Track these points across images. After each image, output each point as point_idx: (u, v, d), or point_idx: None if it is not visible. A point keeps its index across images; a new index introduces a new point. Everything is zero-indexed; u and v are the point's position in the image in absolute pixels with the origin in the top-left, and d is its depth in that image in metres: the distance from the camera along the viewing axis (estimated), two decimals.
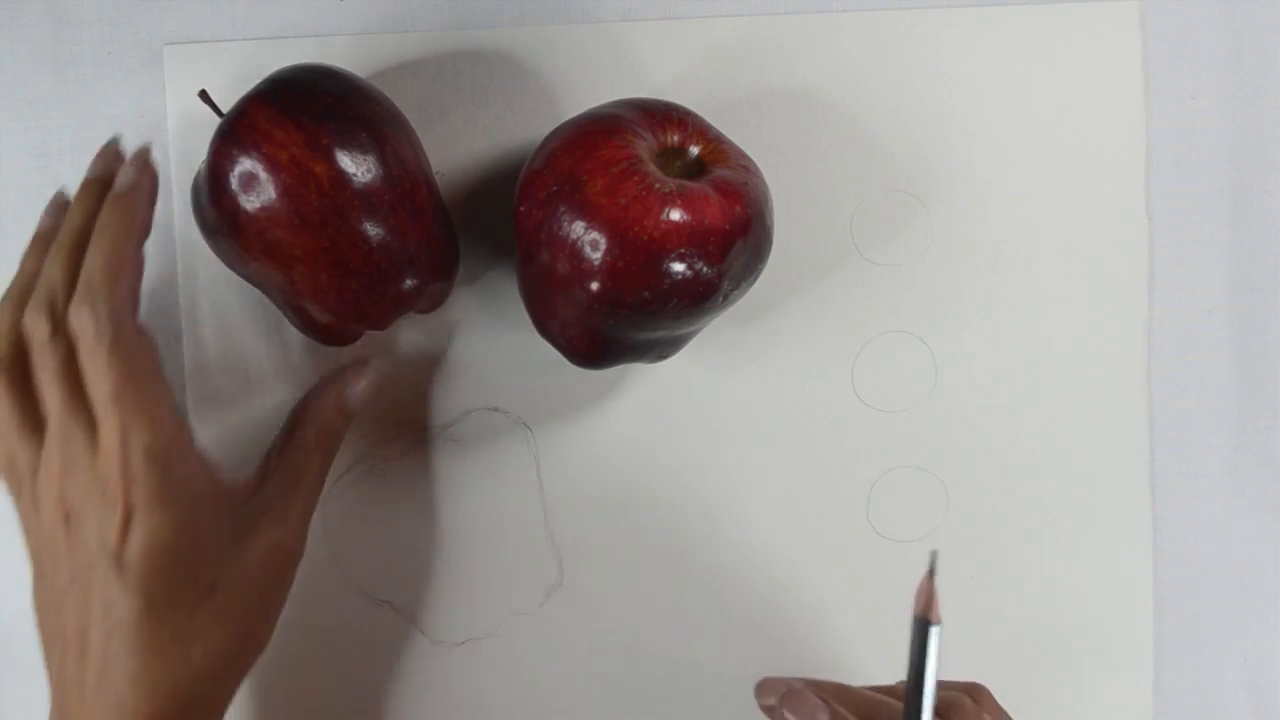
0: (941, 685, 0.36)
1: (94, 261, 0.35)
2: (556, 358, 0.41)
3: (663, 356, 0.41)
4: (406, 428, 0.45)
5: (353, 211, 0.36)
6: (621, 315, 0.37)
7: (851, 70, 0.45)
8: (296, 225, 0.36)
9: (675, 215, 0.36)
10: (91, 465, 0.34)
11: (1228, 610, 0.47)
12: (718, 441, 0.45)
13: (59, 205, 0.40)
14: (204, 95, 0.40)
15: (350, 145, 0.36)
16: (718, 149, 0.39)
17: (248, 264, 0.38)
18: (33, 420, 0.36)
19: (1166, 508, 0.46)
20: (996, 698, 0.38)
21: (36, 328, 0.35)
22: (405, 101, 0.44)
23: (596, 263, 0.36)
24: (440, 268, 0.40)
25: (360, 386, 0.42)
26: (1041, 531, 0.46)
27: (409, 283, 0.38)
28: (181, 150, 0.44)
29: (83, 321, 0.34)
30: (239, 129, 0.36)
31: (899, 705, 0.35)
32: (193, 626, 0.34)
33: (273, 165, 0.35)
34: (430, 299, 0.40)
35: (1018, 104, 0.45)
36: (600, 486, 0.45)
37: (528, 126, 0.44)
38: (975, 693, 0.37)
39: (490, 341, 0.45)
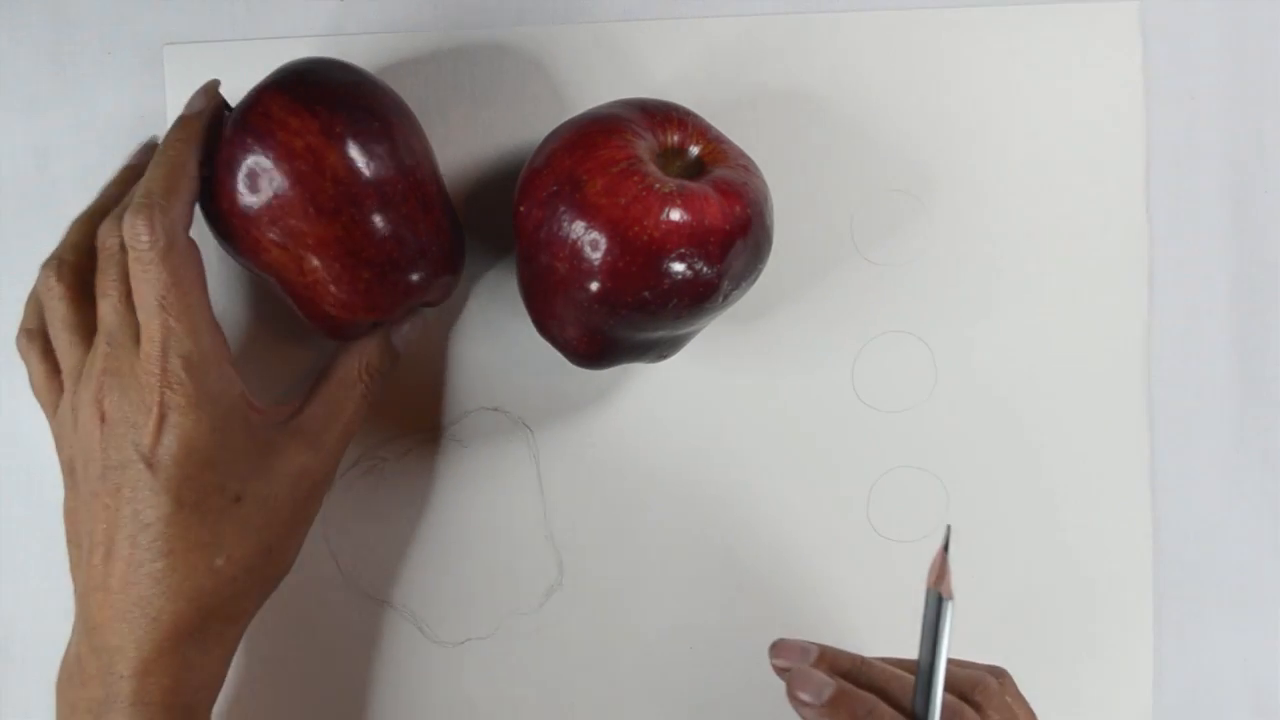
0: (965, 665, 0.37)
1: (154, 174, 0.36)
2: (556, 358, 0.41)
3: (663, 356, 0.41)
4: (407, 428, 0.45)
5: (367, 200, 0.37)
6: (621, 315, 0.37)
7: (851, 70, 0.45)
8: (311, 214, 0.36)
9: (675, 215, 0.36)
10: (132, 368, 0.35)
11: (1228, 610, 0.47)
12: (718, 442, 0.45)
13: (149, 145, 0.41)
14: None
15: (364, 135, 0.36)
16: (718, 149, 0.39)
17: (259, 255, 0.37)
18: (85, 326, 0.37)
19: (1166, 508, 0.46)
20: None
21: (107, 238, 0.37)
22: (406, 101, 0.44)
23: (596, 263, 0.36)
24: (449, 260, 0.40)
25: (406, 328, 0.42)
26: (1041, 531, 0.46)
27: (419, 274, 0.39)
28: None
29: (138, 229, 0.35)
30: (252, 118, 0.36)
31: (913, 679, 0.36)
32: (218, 533, 0.36)
33: (288, 153, 0.36)
34: (438, 291, 0.41)
35: (1018, 104, 0.45)
36: (600, 486, 0.45)
37: (528, 126, 0.44)
38: (999, 675, 0.38)
39: (490, 341, 0.45)
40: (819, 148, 0.45)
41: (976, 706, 0.36)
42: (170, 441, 0.35)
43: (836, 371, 0.45)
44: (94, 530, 0.36)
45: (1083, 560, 0.46)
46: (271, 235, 0.37)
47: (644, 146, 0.37)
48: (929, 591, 0.35)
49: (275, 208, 0.36)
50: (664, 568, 0.45)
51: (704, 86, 0.44)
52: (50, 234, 0.45)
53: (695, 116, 0.40)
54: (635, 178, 0.36)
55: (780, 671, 0.38)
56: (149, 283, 0.35)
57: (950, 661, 0.36)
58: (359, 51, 0.44)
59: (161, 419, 0.35)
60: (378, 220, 0.37)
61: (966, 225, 0.46)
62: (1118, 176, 0.46)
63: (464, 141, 0.44)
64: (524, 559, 0.45)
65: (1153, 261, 0.46)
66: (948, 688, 0.35)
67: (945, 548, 0.36)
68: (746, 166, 0.39)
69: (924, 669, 0.35)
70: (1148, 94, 0.46)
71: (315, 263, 0.37)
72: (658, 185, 0.36)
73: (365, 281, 0.38)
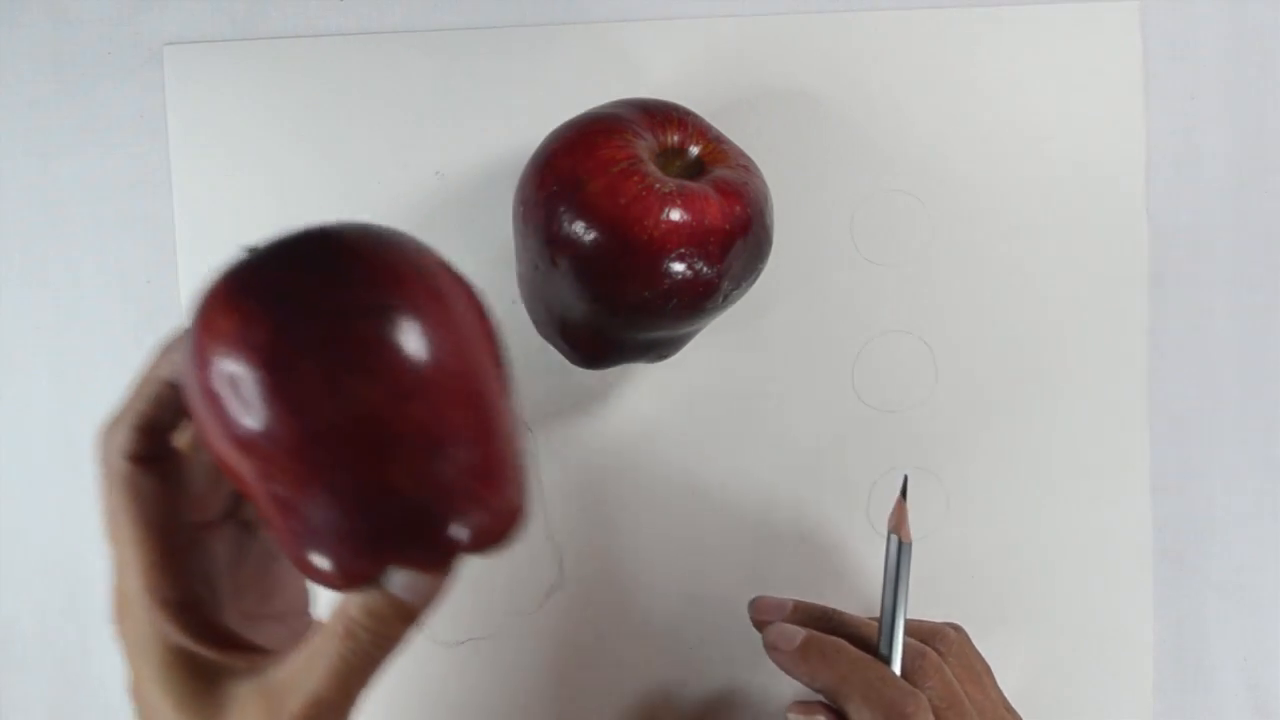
0: (923, 623, 0.41)
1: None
2: (556, 358, 0.41)
3: (663, 356, 0.41)
4: None
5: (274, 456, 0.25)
6: (621, 315, 0.37)
7: (851, 70, 0.45)
8: (226, 448, 0.26)
9: (675, 215, 0.36)
10: None
11: (1228, 610, 0.47)
12: (717, 441, 0.45)
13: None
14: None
15: (303, 347, 0.25)
16: (718, 149, 0.39)
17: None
18: None
19: (1166, 508, 0.46)
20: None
21: None
22: (405, 102, 0.44)
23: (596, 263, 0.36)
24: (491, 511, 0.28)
25: (406, 577, 0.31)
26: (1041, 531, 0.46)
27: (406, 541, 0.27)
28: (182, 150, 0.44)
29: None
30: (198, 311, 0.27)
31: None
32: None
33: (198, 361, 0.26)
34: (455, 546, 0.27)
35: (1018, 104, 0.45)
36: (600, 486, 0.45)
37: (528, 126, 0.44)
38: (956, 629, 0.41)
39: None
40: (819, 148, 0.45)
41: (938, 654, 0.39)
42: (135, 697, 0.30)
43: (836, 371, 0.45)
44: None
45: (1083, 560, 0.46)
46: (228, 467, 0.27)
47: (644, 146, 0.37)
48: (889, 537, 0.39)
49: (200, 427, 0.26)
50: (664, 568, 0.45)
51: (704, 86, 0.44)
52: (50, 234, 0.45)
53: (695, 116, 0.39)
54: (635, 178, 0.36)
55: (758, 625, 0.41)
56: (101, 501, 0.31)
57: (910, 619, 0.40)
58: (358, 52, 0.44)
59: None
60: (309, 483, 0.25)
61: (966, 225, 0.46)
62: (1118, 176, 0.46)
63: (464, 142, 0.44)
64: (524, 559, 0.45)
65: (1153, 262, 0.46)
66: (910, 637, 0.39)
67: (903, 495, 0.40)
68: (746, 166, 0.39)
69: (887, 611, 0.38)
70: (1148, 94, 0.46)
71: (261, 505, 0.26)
72: (658, 185, 0.36)
73: (309, 548, 0.26)
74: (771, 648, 0.39)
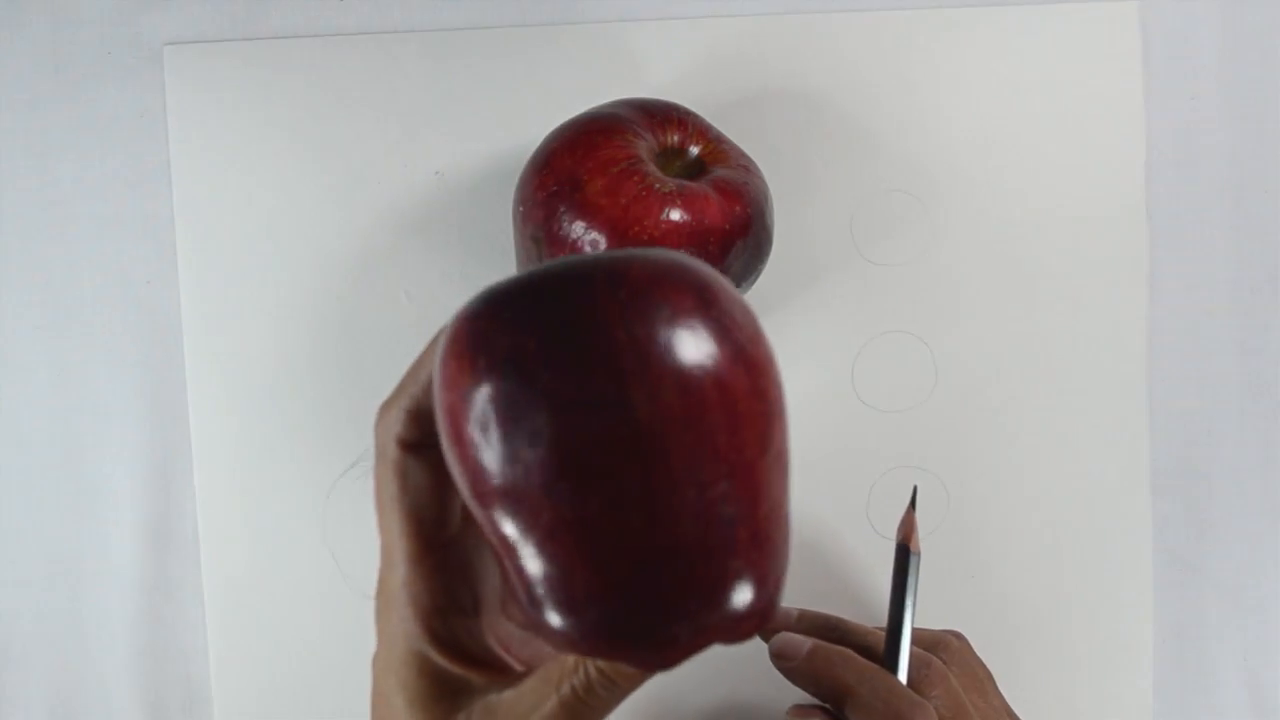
0: (925, 632, 0.41)
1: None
2: None
3: None
4: None
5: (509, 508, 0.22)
6: None
7: (851, 70, 0.45)
8: (476, 501, 0.23)
9: (675, 215, 0.36)
10: None
11: (1227, 610, 0.47)
12: None
13: None
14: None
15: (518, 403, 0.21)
16: (718, 149, 0.39)
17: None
18: None
19: (1166, 508, 0.46)
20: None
21: None
22: (405, 102, 0.44)
23: None
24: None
25: None
26: (1041, 531, 0.46)
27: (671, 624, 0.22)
28: (182, 150, 0.44)
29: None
30: (447, 342, 0.23)
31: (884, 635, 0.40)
32: None
33: (444, 408, 0.23)
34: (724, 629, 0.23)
35: (1018, 104, 0.45)
36: None
37: (528, 126, 0.44)
38: (958, 637, 0.41)
39: None
40: (819, 148, 0.45)
41: (942, 663, 0.39)
42: (374, 668, 0.29)
43: (836, 371, 0.45)
44: None
45: (1083, 560, 0.46)
46: (475, 513, 0.24)
47: (644, 146, 0.37)
48: (898, 547, 0.39)
49: (464, 474, 0.23)
50: None
51: (704, 86, 0.44)
52: (50, 234, 0.45)
53: (695, 116, 0.40)
54: (635, 178, 0.36)
55: (762, 633, 0.41)
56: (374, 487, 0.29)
57: (914, 628, 0.40)
58: (358, 52, 0.44)
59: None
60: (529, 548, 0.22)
61: (966, 225, 0.46)
62: (1118, 177, 0.46)
63: (464, 142, 0.44)
64: None
65: (1153, 261, 0.46)
66: (914, 646, 0.39)
67: (913, 505, 0.41)
68: (746, 166, 0.39)
69: (893, 621, 0.38)
70: (1148, 94, 0.46)
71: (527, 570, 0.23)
72: (658, 185, 0.36)
73: (589, 623, 0.22)
74: (778, 656, 0.39)
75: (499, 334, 0.22)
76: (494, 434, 0.21)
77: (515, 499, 0.21)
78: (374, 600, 0.28)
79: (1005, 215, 0.46)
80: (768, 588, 0.22)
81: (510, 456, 0.21)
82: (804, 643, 0.39)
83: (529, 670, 0.28)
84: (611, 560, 0.21)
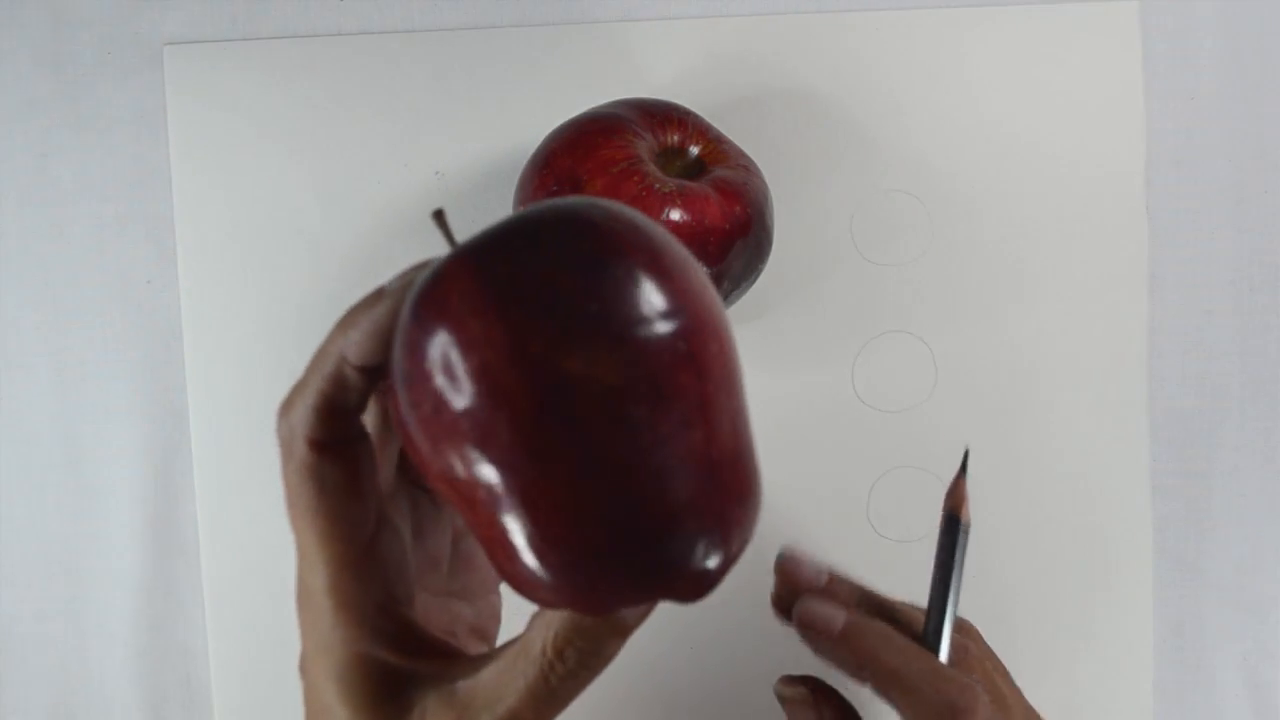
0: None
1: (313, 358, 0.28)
2: None
3: None
4: None
5: (594, 437, 0.22)
6: None
7: (851, 70, 0.45)
8: (511, 449, 0.22)
9: (675, 215, 0.36)
10: None
11: (1227, 610, 0.47)
12: None
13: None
14: (439, 216, 0.27)
15: (589, 342, 0.22)
16: (718, 149, 0.39)
17: (431, 489, 0.27)
18: None
19: (1166, 508, 0.46)
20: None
21: None
22: (405, 102, 0.44)
23: None
24: (733, 523, 0.24)
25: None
26: (1041, 531, 0.46)
27: (677, 554, 0.23)
28: (182, 150, 0.44)
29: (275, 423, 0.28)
30: (426, 300, 0.23)
31: (914, 610, 0.36)
32: None
33: (476, 362, 0.22)
34: (705, 573, 0.24)
35: (1017, 104, 0.45)
36: None
37: (528, 126, 0.44)
38: (965, 629, 0.38)
39: None
40: (819, 148, 0.45)
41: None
42: (305, 679, 0.28)
43: (836, 371, 0.45)
44: None
45: (1083, 559, 0.46)
46: (440, 466, 0.23)
47: (644, 146, 0.37)
48: (945, 518, 0.35)
49: (442, 428, 0.23)
50: None
51: (704, 86, 0.44)
52: (50, 234, 0.45)
53: (695, 116, 0.40)
54: (635, 178, 0.36)
55: (786, 585, 0.36)
56: (284, 489, 0.28)
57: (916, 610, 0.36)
58: (359, 52, 0.44)
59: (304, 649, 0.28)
60: (616, 469, 0.22)
61: (966, 225, 0.46)
62: (1118, 176, 0.46)
63: (464, 142, 0.44)
64: None
65: (1153, 261, 0.46)
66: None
67: (963, 471, 0.35)
68: (746, 166, 0.39)
69: (937, 599, 0.35)
70: (1148, 94, 0.46)
71: (507, 522, 0.23)
72: (658, 185, 0.36)
73: (582, 563, 0.23)
74: (806, 627, 0.34)
75: (490, 281, 0.22)
76: (480, 380, 0.22)
77: (492, 445, 0.22)
78: (296, 612, 0.27)
79: (1005, 215, 0.46)
80: (738, 536, 0.24)
81: (487, 396, 0.22)
82: (837, 616, 0.34)
83: (483, 654, 0.27)
84: (584, 502, 0.22)
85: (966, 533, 0.35)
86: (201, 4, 0.44)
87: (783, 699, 0.37)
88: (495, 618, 0.31)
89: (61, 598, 0.45)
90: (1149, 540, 0.46)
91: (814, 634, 0.34)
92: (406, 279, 0.25)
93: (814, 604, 0.34)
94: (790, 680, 0.37)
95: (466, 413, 0.22)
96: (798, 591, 0.35)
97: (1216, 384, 0.46)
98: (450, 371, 0.22)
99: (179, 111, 0.44)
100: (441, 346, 0.22)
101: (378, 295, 0.26)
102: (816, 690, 0.36)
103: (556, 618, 0.26)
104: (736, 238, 0.37)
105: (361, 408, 0.27)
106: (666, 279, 0.23)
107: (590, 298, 0.22)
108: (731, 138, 0.40)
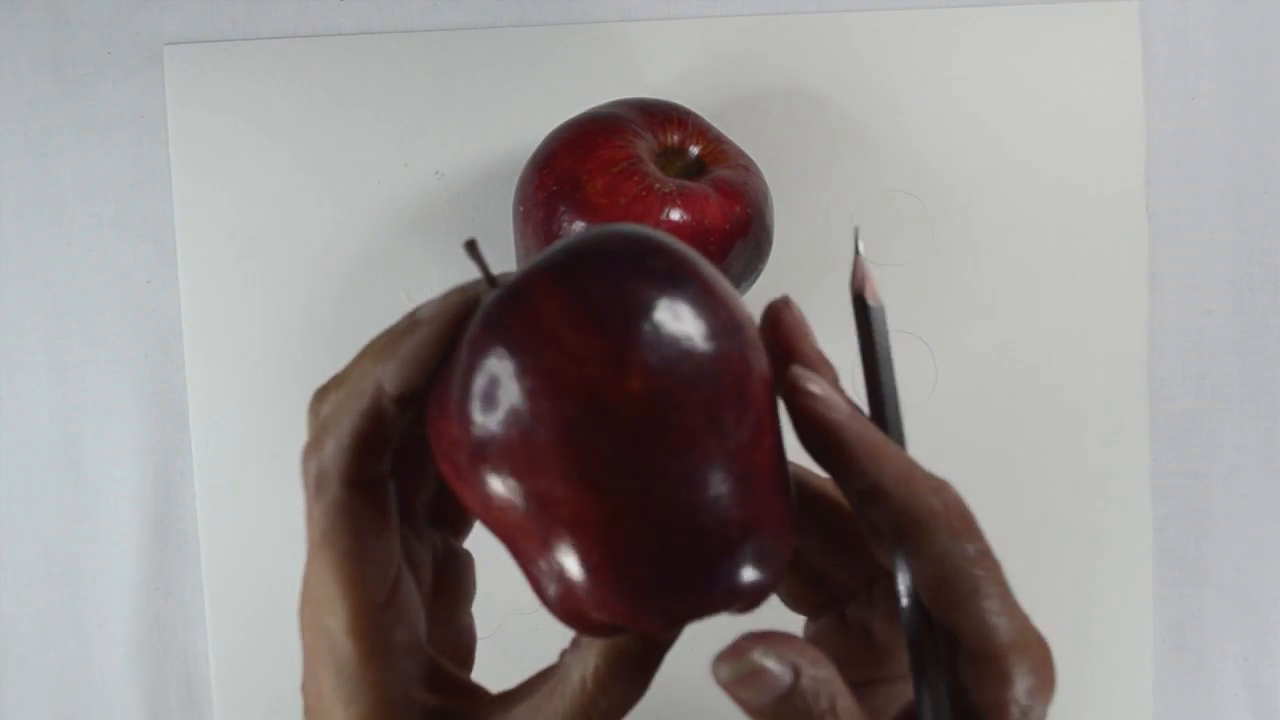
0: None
1: (338, 383, 0.26)
2: None
3: None
4: None
5: (667, 460, 0.22)
6: None
7: (851, 70, 0.45)
8: (572, 477, 0.22)
9: (675, 215, 0.36)
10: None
11: (1228, 610, 0.47)
12: None
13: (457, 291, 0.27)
14: (471, 246, 0.26)
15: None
16: (718, 149, 0.39)
17: (469, 509, 0.25)
18: None
19: (1166, 508, 0.46)
20: None
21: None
22: (405, 102, 0.44)
23: None
24: (778, 542, 0.25)
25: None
26: (1041, 531, 0.46)
27: (731, 572, 0.24)
28: (182, 150, 0.44)
29: (301, 457, 0.26)
30: (514, 316, 0.23)
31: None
32: None
33: (548, 381, 0.22)
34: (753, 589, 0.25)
35: (1018, 104, 0.45)
36: None
37: (528, 126, 0.44)
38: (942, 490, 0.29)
39: None
40: (819, 148, 0.45)
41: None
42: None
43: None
44: None
45: (1083, 560, 0.46)
46: (491, 490, 0.23)
47: (644, 146, 0.37)
48: (854, 303, 0.30)
49: (505, 451, 0.22)
50: None
51: (704, 86, 0.44)
52: (50, 234, 0.45)
53: (695, 116, 0.40)
54: (635, 178, 0.36)
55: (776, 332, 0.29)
56: (306, 525, 0.26)
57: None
58: (358, 52, 0.44)
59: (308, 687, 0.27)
60: (681, 489, 0.22)
61: (966, 225, 0.46)
62: (1118, 176, 0.46)
63: (463, 142, 0.44)
64: None
65: (1153, 261, 0.46)
66: None
67: (856, 250, 0.30)
68: (746, 166, 0.39)
69: (872, 393, 0.29)
70: (1148, 94, 0.46)
71: (562, 547, 0.23)
72: (658, 185, 0.36)
73: (636, 581, 0.23)
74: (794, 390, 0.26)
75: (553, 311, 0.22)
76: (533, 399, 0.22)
77: (592, 462, 0.22)
78: (310, 673, 0.26)
79: (1005, 215, 0.46)
80: (778, 555, 0.24)
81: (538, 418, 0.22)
82: (834, 396, 0.27)
83: (511, 691, 0.27)
84: (671, 515, 0.22)
85: (882, 317, 0.30)
86: (201, 4, 0.44)
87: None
88: (472, 637, 0.31)
89: (61, 598, 0.45)
90: (1149, 540, 0.46)
91: (819, 407, 0.27)
92: (447, 303, 0.24)
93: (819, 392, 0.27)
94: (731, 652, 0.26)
95: (559, 431, 0.21)
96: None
97: (1216, 384, 0.46)
98: (546, 388, 0.22)
99: (179, 111, 0.44)
100: (530, 364, 0.22)
101: (413, 322, 0.25)
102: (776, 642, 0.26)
103: (593, 650, 0.26)
104: (736, 238, 0.37)
105: (396, 440, 0.25)
106: (728, 295, 0.24)
107: (680, 315, 0.22)
108: (731, 138, 0.40)
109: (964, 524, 0.28)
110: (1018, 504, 0.46)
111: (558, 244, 0.24)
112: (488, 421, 0.22)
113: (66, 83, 0.44)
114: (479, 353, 0.23)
